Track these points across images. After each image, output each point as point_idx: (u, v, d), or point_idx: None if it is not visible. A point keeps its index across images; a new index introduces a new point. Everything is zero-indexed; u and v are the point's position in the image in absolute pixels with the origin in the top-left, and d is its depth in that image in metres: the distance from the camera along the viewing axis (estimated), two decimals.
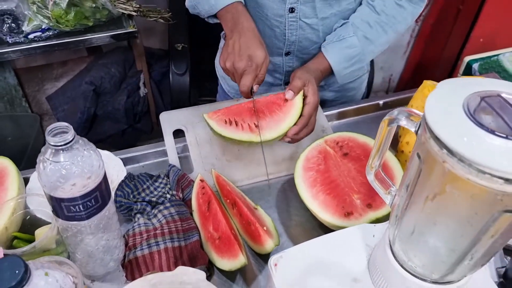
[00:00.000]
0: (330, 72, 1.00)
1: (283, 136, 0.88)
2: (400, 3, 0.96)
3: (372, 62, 1.63)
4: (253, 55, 0.85)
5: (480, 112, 0.41)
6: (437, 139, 0.41)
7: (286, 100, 0.89)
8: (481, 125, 0.40)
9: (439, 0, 2.07)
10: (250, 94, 0.86)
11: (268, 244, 0.75)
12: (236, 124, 0.88)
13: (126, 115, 1.99)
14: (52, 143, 0.57)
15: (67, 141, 0.57)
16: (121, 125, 2.02)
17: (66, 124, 0.59)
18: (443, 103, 0.43)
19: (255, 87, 0.86)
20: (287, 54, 1.07)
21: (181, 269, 0.55)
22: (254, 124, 0.88)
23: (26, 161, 1.59)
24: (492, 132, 0.39)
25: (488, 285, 0.61)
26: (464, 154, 0.39)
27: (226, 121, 0.89)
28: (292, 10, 0.96)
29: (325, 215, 0.79)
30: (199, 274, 0.54)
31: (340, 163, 0.87)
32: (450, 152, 0.40)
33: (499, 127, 0.40)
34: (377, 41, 0.99)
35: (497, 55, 1.28)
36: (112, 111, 1.97)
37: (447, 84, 0.46)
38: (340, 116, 1.12)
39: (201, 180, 0.86)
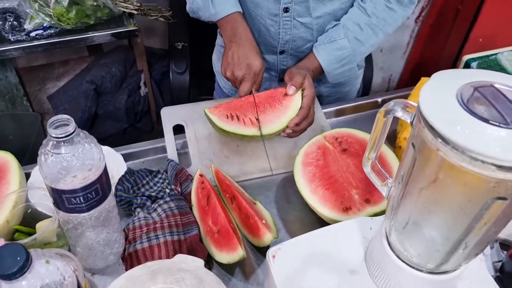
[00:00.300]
0: (320, 72, 1.02)
1: (284, 129, 0.90)
2: (390, 6, 0.98)
3: (371, 62, 1.64)
4: (252, 64, 0.92)
5: (474, 102, 0.42)
6: (431, 128, 0.42)
7: (285, 94, 0.91)
8: (474, 114, 0.41)
9: (439, 0, 2.08)
10: None
11: (267, 236, 0.76)
12: (238, 119, 0.89)
13: (127, 114, 1.99)
14: (53, 135, 0.58)
15: (68, 133, 0.58)
16: (121, 125, 2.03)
17: (67, 116, 0.59)
18: (437, 94, 0.44)
19: (255, 93, 0.92)
20: (281, 52, 1.08)
21: (180, 257, 0.56)
22: (256, 118, 0.89)
23: (27, 159, 1.59)
24: (485, 120, 0.40)
25: (483, 275, 0.61)
26: (457, 142, 0.40)
27: (227, 116, 0.90)
28: (286, 9, 0.98)
29: (324, 210, 0.80)
30: (197, 262, 0.55)
31: (339, 158, 0.88)
32: (444, 140, 0.41)
33: (492, 116, 0.41)
34: (368, 42, 1.01)
35: (496, 54, 1.29)
36: (113, 110, 1.98)
37: (441, 75, 0.47)
38: (339, 113, 1.13)
39: (201, 175, 0.87)
